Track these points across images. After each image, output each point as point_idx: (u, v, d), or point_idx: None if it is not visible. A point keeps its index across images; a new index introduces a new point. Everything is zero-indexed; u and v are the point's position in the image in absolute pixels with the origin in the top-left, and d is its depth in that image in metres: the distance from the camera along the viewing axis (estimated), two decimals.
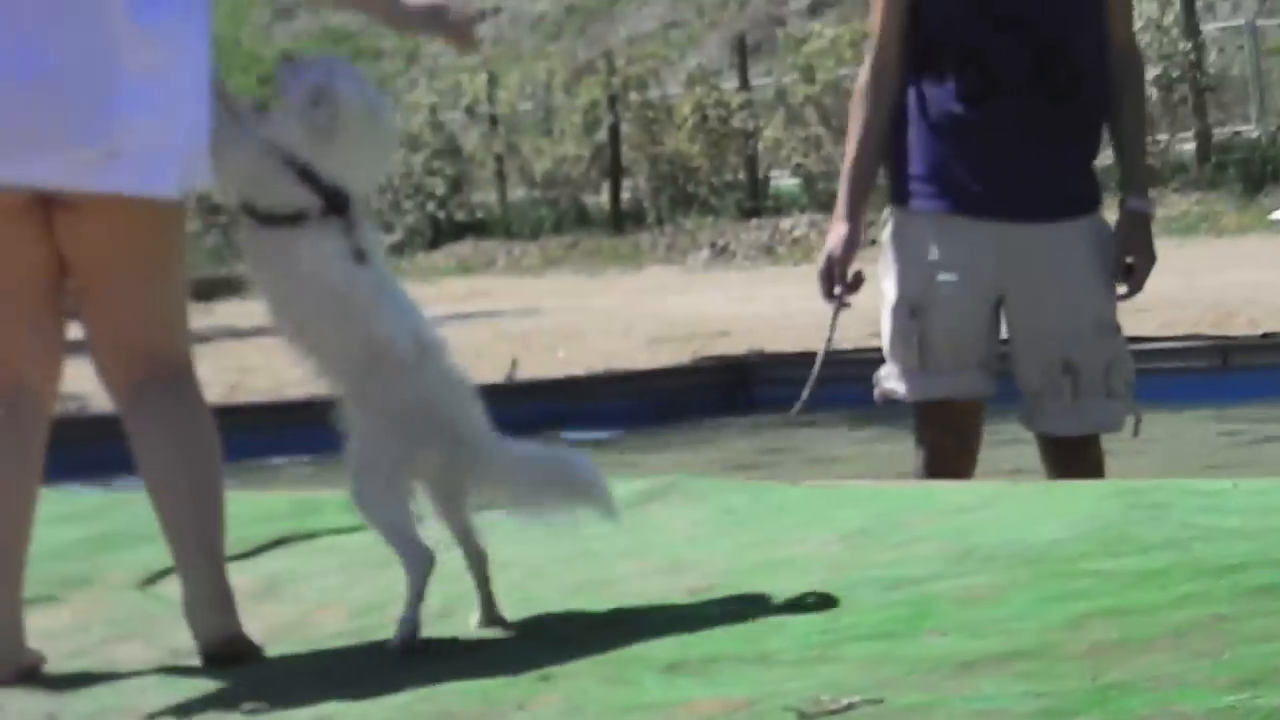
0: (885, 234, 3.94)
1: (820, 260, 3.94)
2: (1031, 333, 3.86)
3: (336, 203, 2.96)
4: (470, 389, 3.02)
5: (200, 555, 3.06)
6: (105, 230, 3.00)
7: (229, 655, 3.05)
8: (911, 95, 3.84)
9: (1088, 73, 3.85)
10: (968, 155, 3.83)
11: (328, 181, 2.99)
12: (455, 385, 2.99)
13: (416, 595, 2.89)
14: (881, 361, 3.97)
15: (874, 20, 3.94)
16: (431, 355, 2.98)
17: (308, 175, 2.95)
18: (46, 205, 2.98)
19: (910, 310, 3.85)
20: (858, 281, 3.91)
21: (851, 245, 3.89)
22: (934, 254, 3.84)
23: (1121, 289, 3.90)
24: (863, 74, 3.96)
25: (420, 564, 2.89)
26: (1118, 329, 3.92)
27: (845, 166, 4.00)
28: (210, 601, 3.05)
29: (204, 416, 3.14)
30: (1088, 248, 3.88)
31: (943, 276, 3.82)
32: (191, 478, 3.07)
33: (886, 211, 3.97)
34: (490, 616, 3.03)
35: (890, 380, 3.91)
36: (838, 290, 3.88)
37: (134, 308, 3.08)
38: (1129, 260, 3.87)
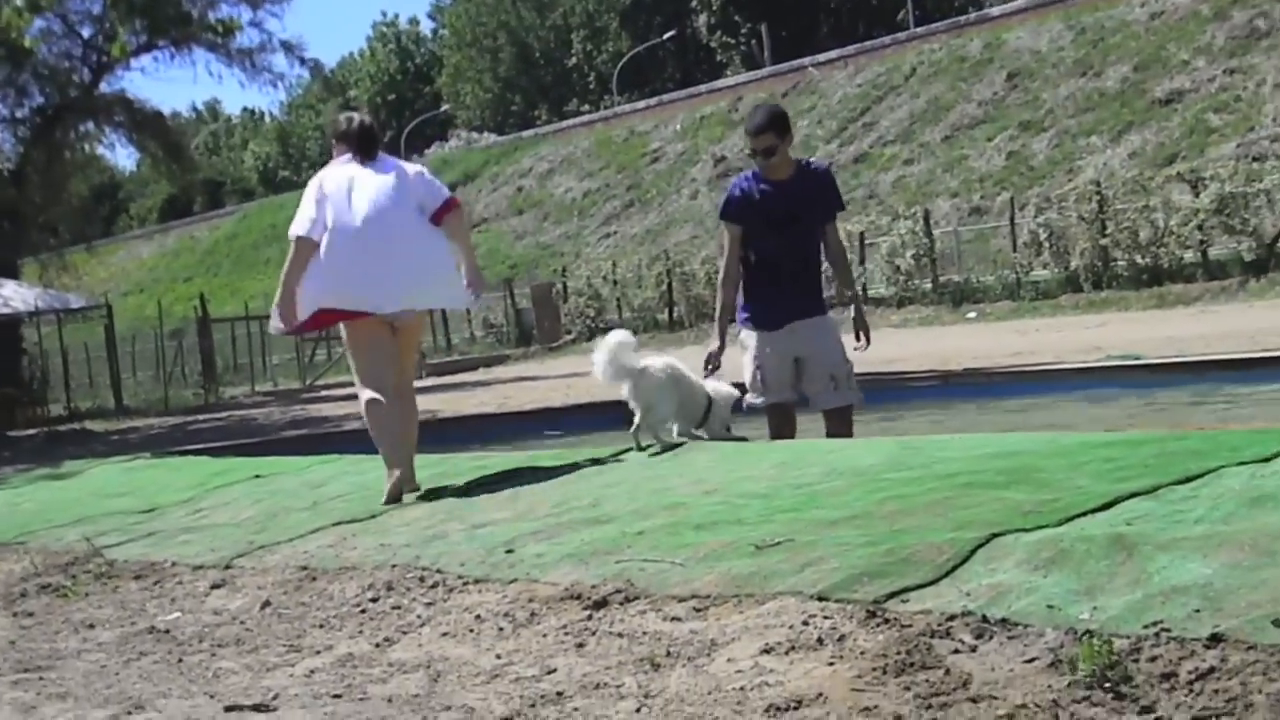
0: (740, 340, 7.16)
1: (704, 356, 7.20)
2: (813, 367, 6.95)
3: None
4: None
5: (407, 454, 6.05)
6: (406, 329, 6.03)
7: (399, 496, 6.01)
8: (745, 275, 7.09)
9: (816, 253, 7.09)
10: (763, 303, 7.09)
11: None
12: None
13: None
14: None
15: (726, 243, 7.10)
16: None
17: None
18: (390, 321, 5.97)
19: (757, 368, 7.03)
20: (719, 365, 7.09)
21: (718, 348, 7.12)
22: (764, 347, 7.02)
23: (860, 345, 7.05)
24: (722, 270, 7.18)
25: None
26: (849, 363, 7.07)
27: (716, 313, 7.22)
28: (405, 476, 6.02)
29: (413, 403, 6.19)
30: (829, 330, 7.04)
31: (768, 352, 7.01)
32: (407, 425, 6.07)
33: (738, 330, 7.21)
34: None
35: (751, 399, 7.07)
36: (711, 367, 7.12)
37: (406, 361, 6.03)
38: (864, 333, 7.10)
